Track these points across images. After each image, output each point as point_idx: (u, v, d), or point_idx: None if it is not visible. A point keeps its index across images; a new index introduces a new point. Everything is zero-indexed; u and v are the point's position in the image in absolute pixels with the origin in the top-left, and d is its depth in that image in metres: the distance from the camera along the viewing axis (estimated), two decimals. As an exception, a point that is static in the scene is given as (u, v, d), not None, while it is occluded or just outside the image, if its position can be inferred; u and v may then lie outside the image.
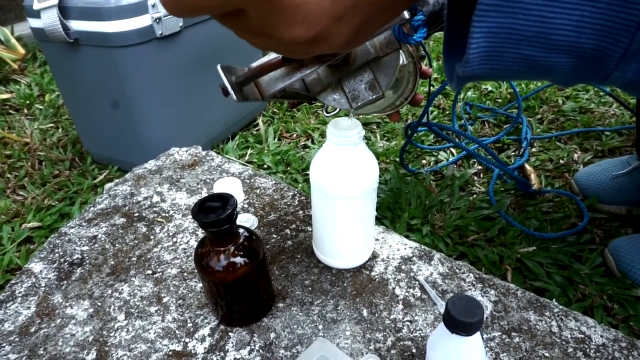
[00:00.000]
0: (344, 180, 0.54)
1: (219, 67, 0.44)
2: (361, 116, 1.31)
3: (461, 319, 0.37)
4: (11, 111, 1.52)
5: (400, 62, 0.63)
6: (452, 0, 0.33)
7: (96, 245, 0.71)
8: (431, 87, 0.91)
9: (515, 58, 0.27)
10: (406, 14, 0.39)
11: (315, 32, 0.26)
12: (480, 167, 1.04)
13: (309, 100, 0.58)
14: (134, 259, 0.68)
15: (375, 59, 0.49)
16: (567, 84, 0.33)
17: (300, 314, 0.58)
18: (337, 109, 0.57)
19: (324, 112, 0.58)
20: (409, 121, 1.27)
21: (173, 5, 0.25)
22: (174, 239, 0.72)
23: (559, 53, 0.27)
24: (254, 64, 0.49)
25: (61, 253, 0.70)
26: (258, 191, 0.82)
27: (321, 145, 0.57)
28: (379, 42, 0.48)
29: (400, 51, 0.62)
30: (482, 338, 0.53)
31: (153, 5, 0.90)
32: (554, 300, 0.59)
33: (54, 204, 1.02)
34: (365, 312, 0.58)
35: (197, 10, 0.25)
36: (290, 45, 0.28)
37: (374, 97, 0.50)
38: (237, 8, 0.26)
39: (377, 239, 0.69)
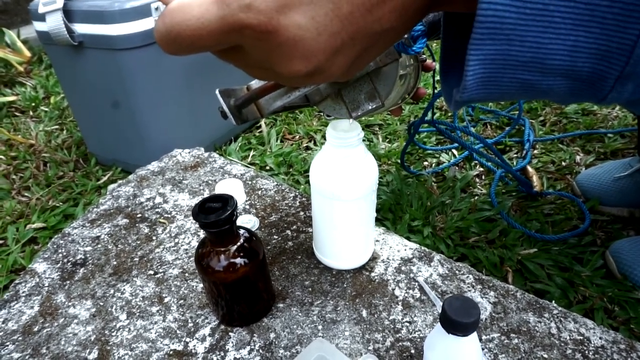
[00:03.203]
0: (343, 181, 0.54)
1: (217, 91, 0.45)
2: (363, 118, 1.31)
3: (457, 319, 0.37)
4: (17, 113, 1.54)
5: (401, 71, 0.64)
6: (447, 22, 0.33)
7: (99, 245, 0.72)
8: (434, 89, 0.91)
9: (512, 82, 0.28)
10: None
11: (313, 66, 0.27)
12: (482, 169, 1.04)
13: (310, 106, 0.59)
14: (136, 259, 0.69)
15: (375, 69, 0.49)
16: (565, 103, 0.34)
17: (300, 314, 0.58)
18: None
19: (325, 115, 0.59)
20: (411, 121, 1.28)
21: (169, 45, 0.25)
22: (176, 240, 0.72)
23: (555, 76, 0.27)
24: (252, 83, 0.50)
25: (64, 253, 0.71)
26: (260, 192, 0.83)
27: (323, 146, 0.57)
28: None
29: (402, 57, 0.63)
30: (481, 339, 0.53)
31: (156, 9, 0.90)
32: (553, 301, 0.59)
33: (58, 205, 1.03)
34: (364, 313, 0.58)
35: (195, 49, 0.25)
36: (289, 78, 0.28)
37: (374, 106, 0.50)
38: (235, 45, 0.26)
39: (377, 240, 0.69)
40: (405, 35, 0.43)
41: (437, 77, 1.50)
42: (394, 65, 0.49)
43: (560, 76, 0.27)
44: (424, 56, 0.66)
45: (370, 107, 0.50)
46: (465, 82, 0.27)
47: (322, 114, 1.38)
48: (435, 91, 0.84)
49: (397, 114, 0.76)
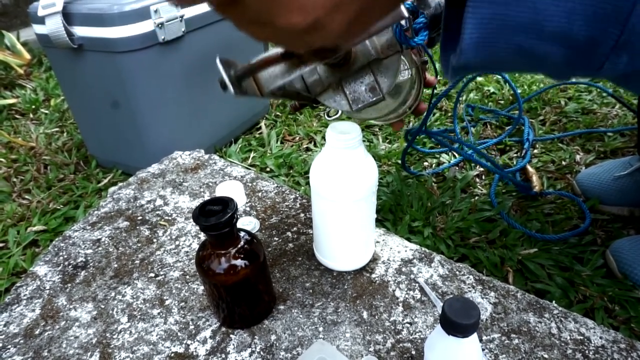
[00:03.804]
0: (343, 183, 0.54)
1: (217, 60, 0.43)
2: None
3: (457, 321, 0.38)
4: (17, 116, 1.54)
5: (403, 70, 0.64)
6: (448, 3, 0.34)
7: (100, 248, 0.72)
8: (434, 90, 0.92)
9: (508, 47, 0.28)
10: (405, 12, 0.39)
11: (312, 19, 0.27)
12: (482, 169, 1.04)
13: (311, 103, 0.58)
14: (137, 262, 0.69)
15: (376, 61, 0.49)
16: (560, 77, 0.34)
17: (301, 316, 0.58)
18: (340, 112, 0.57)
19: (326, 116, 0.59)
20: (410, 124, 1.28)
21: None
22: (177, 242, 0.72)
23: (551, 43, 0.27)
24: (254, 59, 0.49)
25: (65, 256, 0.71)
26: (260, 194, 0.83)
27: (323, 148, 0.57)
28: (380, 44, 0.48)
29: (404, 58, 0.63)
30: (481, 340, 0.54)
31: (155, 11, 0.90)
32: (554, 301, 0.59)
33: (58, 207, 1.03)
34: (365, 314, 0.58)
35: None
36: (288, 34, 0.28)
37: (375, 99, 0.50)
38: None
39: (377, 242, 0.70)
40: (405, 12, 0.43)
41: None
42: (395, 58, 0.49)
43: (556, 43, 0.27)
44: (425, 58, 0.66)
45: (370, 100, 0.50)
46: (462, 44, 0.28)
47: (322, 114, 1.38)
48: (435, 90, 0.84)
49: (397, 128, 0.76)
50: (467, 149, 1.06)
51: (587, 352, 0.52)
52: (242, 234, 0.54)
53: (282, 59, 0.43)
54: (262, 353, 0.54)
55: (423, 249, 0.68)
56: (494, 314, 0.57)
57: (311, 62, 0.43)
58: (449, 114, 1.31)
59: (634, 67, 0.28)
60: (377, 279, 0.63)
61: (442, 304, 0.57)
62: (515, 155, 1.10)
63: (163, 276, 0.66)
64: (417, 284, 0.62)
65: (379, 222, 0.87)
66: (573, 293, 0.71)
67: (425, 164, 1.10)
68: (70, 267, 0.69)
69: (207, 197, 0.83)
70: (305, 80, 0.51)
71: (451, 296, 0.60)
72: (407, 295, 0.60)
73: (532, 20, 0.26)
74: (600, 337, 0.53)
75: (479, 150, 0.91)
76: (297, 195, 0.82)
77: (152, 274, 0.66)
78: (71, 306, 0.62)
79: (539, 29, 0.26)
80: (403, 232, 0.84)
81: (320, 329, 0.56)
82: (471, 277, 0.63)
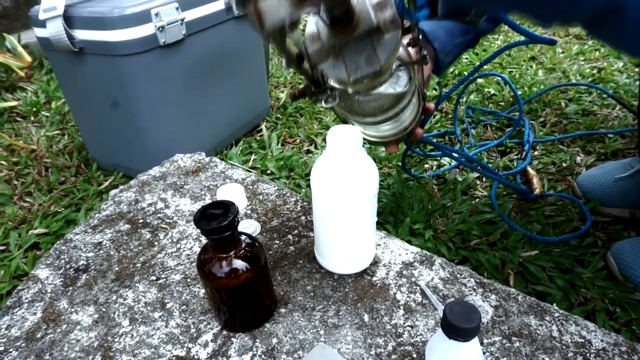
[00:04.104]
0: (344, 186, 0.55)
1: None
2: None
3: (458, 325, 0.38)
4: (18, 118, 1.54)
5: (401, 70, 0.64)
6: None
7: (101, 251, 0.72)
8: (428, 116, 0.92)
9: None
10: None
11: None
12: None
13: (310, 85, 0.58)
14: (138, 265, 0.69)
15: (377, 34, 0.50)
16: (544, 18, 0.34)
17: (302, 319, 0.58)
18: (336, 101, 0.58)
19: (323, 103, 0.59)
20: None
21: None
22: (178, 245, 0.72)
23: None
24: None
25: (67, 259, 0.71)
26: (261, 197, 0.83)
27: (324, 151, 0.57)
28: (382, 18, 0.49)
29: (405, 73, 0.64)
30: (483, 343, 0.54)
31: (156, 14, 0.91)
32: (555, 304, 0.59)
33: (60, 210, 1.03)
34: (366, 318, 0.58)
35: None
36: None
37: (372, 70, 0.51)
38: None
39: (378, 244, 0.70)
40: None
41: (437, 79, 1.50)
42: (395, 34, 0.50)
43: None
44: (425, 52, 0.66)
45: (368, 71, 0.51)
46: None
47: (322, 116, 1.38)
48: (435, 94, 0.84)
49: (393, 150, 0.76)
50: (473, 140, 1.06)
51: (588, 355, 0.52)
52: (243, 237, 0.54)
53: None
54: (263, 356, 0.54)
55: (424, 251, 0.68)
56: (495, 317, 0.57)
57: (315, 2, 0.44)
58: (450, 116, 1.32)
59: (612, 1, 0.28)
60: (378, 282, 0.63)
61: (443, 308, 0.58)
62: (515, 157, 1.10)
63: (164, 279, 0.66)
64: (418, 287, 0.62)
65: (380, 225, 0.87)
66: (574, 295, 0.71)
67: (426, 166, 1.10)
68: (71, 270, 0.69)
69: (208, 199, 0.83)
70: (307, 50, 0.52)
71: (452, 299, 0.60)
72: (408, 298, 0.60)
73: None
74: (602, 340, 0.53)
75: (473, 157, 0.92)
76: (298, 198, 0.82)
77: (153, 277, 0.67)
78: (72, 309, 0.62)
79: None
80: (404, 234, 0.84)
81: (322, 332, 0.56)
82: (472, 279, 0.63)
